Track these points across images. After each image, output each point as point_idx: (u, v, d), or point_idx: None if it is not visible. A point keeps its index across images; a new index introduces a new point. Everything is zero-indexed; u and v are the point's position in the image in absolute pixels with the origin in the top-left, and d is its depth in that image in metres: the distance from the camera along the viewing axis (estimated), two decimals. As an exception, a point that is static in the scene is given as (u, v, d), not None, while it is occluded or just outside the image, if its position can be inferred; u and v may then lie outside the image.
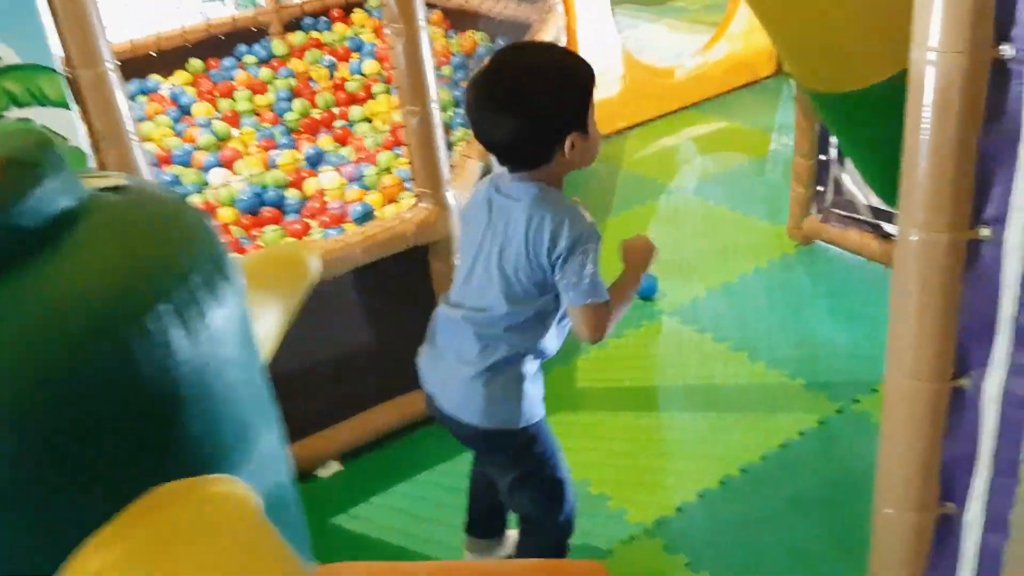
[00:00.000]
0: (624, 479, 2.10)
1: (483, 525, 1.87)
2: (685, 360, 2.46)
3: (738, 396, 2.31)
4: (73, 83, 1.66)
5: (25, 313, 0.62)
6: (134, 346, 0.63)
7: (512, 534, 1.90)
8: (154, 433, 0.66)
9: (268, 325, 0.90)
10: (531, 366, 1.56)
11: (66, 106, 1.66)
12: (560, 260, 1.44)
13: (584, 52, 3.67)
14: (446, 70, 3.29)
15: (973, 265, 1.10)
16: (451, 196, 2.12)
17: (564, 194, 1.49)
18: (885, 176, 2.12)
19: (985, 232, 1.07)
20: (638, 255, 1.58)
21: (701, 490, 2.04)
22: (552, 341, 1.57)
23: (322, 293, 2.09)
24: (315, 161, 2.90)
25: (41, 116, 1.64)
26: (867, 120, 2.01)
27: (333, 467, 2.18)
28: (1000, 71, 1.00)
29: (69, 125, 1.67)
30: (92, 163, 1.70)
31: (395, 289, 2.21)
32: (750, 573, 1.84)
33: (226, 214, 2.63)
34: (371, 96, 3.31)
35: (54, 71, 1.63)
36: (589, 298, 1.44)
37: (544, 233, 1.44)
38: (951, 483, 1.25)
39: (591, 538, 1.93)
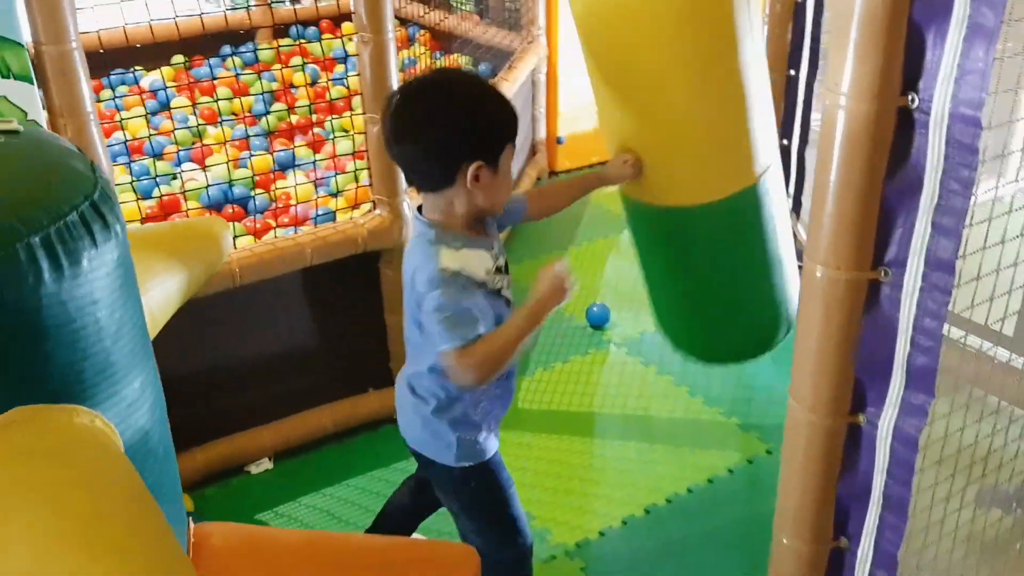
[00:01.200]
0: (552, 500, 2.12)
1: None
2: (626, 390, 2.49)
3: (673, 429, 2.35)
4: (38, 59, 1.69)
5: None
6: (1, 270, 0.67)
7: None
8: (14, 357, 0.69)
9: (169, 289, 0.93)
10: (465, 410, 1.50)
11: (30, 80, 1.69)
12: (421, 302, 1.41)
13: (563, 85, 3.74)
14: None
15: (873, 305, 1.14)
16: (407, 206, 2.15)
17: (453, 235, 1.43)
18: (677, 308, 2.06)
19: (885, 274, 1.12)
20: (546, 287, 1.44)
21: (626, 516, 2.06)
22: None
23: (270, 290, 2.12)
24: (286, 164, 2.94)
25: (3, 88, 1.67)
26: (697, 239, 1.89)
27: (264, 464, 2.19)
28: (905, 120, 1.05)
29: (30, 99, 1.70)
30: (49, 138, 1.73)
31: (344, 293, 2.24)
32: (663, 600, 1.86)
33: (191, 208, 2.66)
34: (350, 107, 3.35)
35: (21, 45, 1.66)
36: (442, 344, 1.38)
37: (414, 275, 1.43)
38: (846, 518, 1.29)
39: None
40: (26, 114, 1.69)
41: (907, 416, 1.15)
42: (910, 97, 1.04)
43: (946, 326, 1.66)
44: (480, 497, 1.59)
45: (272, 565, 0.68)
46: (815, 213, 1.14)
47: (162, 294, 0.90)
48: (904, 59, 1.03)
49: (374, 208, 2.17)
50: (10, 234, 0.68)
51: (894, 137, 1.06)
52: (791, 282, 2.00)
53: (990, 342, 1.83)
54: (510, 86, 3.05)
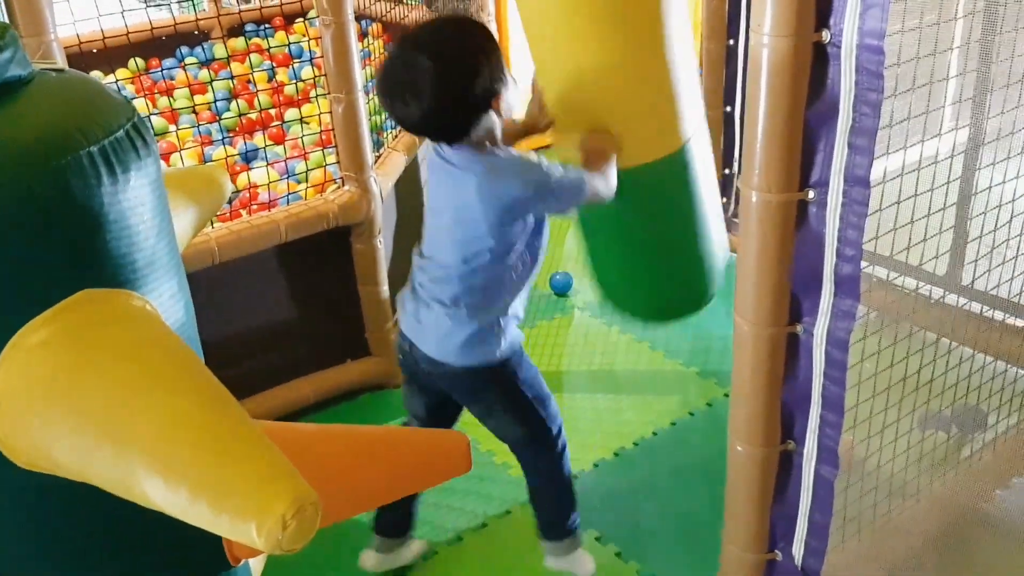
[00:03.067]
0: (526, 451, 2.24)
1: (394, 523, 1.89)
2: (591, 348, 2.64)
3: (636, 380, 2.49)
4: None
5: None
6: (69, 175, 0.82)
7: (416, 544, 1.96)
8: (82, 246, 0.84)
9: (181, 225, 1.04)
10: (508, 301, 1.65)
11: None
12: (533, 199, 1.56)
13: (513, 70, 3.86)
14: (382, 78, 3.45)
15: (802, 223, 1.29)
16: (374, 182, 2.27)
17: (505, 148, 1.57)
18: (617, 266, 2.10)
19: (811, 194, 1.26)
20: (593, 152, 1.66)
21: (597, 460, 2.20)
22: (522, 279, 1.66)
23: (246, 267, 2.22)
24: (249, 157, 3.02)
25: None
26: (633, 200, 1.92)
27: (250, 434, 2.28)
28: (820, 54, 1.20)
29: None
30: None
31: (318, 269, 2.34)
32: (636, 532, 2.00)
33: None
34: (308, 100, 3.44)
35: None
36: (577, 189, 1.58)
37: (503, 194, 1.54)
38: (791, 422, 1.43)
39: (491, 500, 2.08)
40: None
41: (838, 321, 1.29)
42: (823, 33, 1.18)
43: (884, 270, 1.81)
44: (523, 380, 1.72)
45: (291, 451, 0.80)
46: (747, 144, 1.28)
47: (179, 225, 1.02)
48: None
49: (343, 184, 2.27)
50: (76, 144, 0.84)
51: (811, 69, 1.20)
52: (719, 246, 1.98)
53: (923, 281, 2.00)
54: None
